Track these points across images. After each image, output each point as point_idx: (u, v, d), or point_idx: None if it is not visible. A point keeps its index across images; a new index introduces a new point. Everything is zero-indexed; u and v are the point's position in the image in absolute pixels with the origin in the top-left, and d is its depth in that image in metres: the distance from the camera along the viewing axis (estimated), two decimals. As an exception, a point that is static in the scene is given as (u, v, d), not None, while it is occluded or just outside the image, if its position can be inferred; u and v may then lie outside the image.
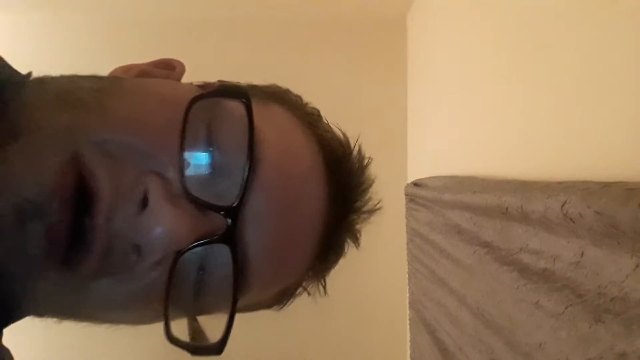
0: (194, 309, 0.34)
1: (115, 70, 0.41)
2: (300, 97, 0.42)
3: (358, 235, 0.43)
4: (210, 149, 0.32)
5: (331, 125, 0.42)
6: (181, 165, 0.29)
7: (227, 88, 0.34)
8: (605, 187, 0.45)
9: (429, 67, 1.59)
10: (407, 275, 1.61)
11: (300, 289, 0.42)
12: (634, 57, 0.51)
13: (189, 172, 0.30)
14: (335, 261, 0.42)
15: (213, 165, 0.32)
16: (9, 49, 1.86)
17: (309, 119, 0.40)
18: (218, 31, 1.91)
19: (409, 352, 1.56)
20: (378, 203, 0.43)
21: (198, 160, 0.31)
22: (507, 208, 0.66)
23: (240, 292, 0.32)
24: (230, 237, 0.30)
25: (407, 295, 1.61)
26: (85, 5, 1.87)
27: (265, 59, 1.80)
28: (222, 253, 0.30)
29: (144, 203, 0.29)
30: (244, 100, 0.32)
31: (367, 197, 0.42)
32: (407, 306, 1.61)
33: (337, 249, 0.41)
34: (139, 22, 1.91)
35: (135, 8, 1.88)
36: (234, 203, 0.30)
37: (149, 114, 0.31)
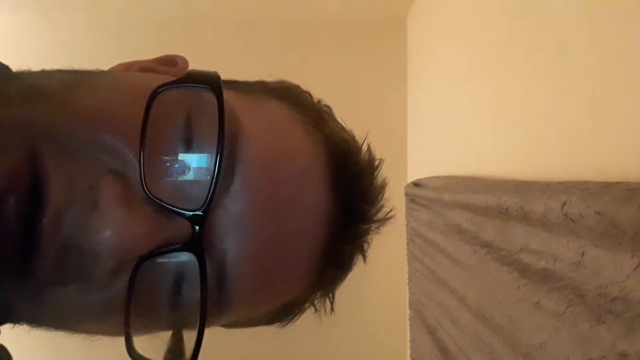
0: (170, 323, 0.31)
1: (116, 66, 0.38)
2: (308, 94, 0.39)
3: (365, 247, 0.38)
4: (179, 145, 0.28)
5: (344, 125, 0.38)
6: (141, 163, 0.26)
7: (194, 75, 0.30)
8: (606, 187, 0.45)
9: (429, 67, 1.59)
10: (407, 275, 1.61)
11: (306, 305, 0.38)
12: (634, 57, 0.51)
13: (153, 171, 0.27)
14: (342, 275, 0.38)
15: (183, 164, 0.28)
16: (8, 49, 1.86)
17: (317, 117, 0.36)
18: (218, 31, 1.91)
19: (409, 352, 1.56)
20: (390, 211, 0.38)
21: (164, 158, 0.28)
22: (507, 208, 0.66)
23: (217, 306, 0.29)
24: (196, 245, 0.27)
25: (407, 295, 1.61)
26: (85, 5, 1.87)
27: (264, 59, 1.80)
28: (195, 263, 0.27)
29: (96, 205, 0.26)
30: (212, 88, 0.28)
31: (378, 204, 0.37)
32: (407, 306, 1.61)
33: (344, 262, 0.37)
34: (139, 22, 1.91)
35: (135, 8, 1.88)
36: (201, 207, 0.27)
37: (112, 107, 0.28)
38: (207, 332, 0.31)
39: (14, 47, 1.84)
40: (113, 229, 0.25)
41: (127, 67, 0.38)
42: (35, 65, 0.34)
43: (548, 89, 0.71)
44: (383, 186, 0.38)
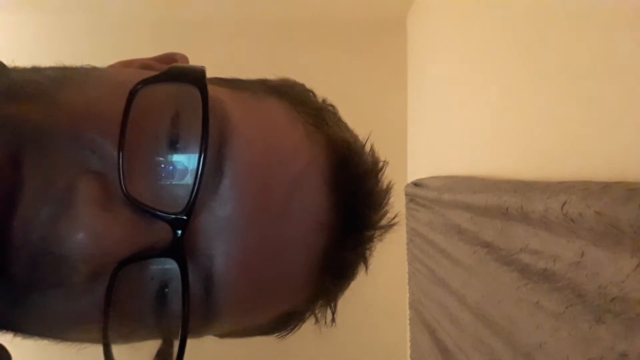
0: (152, 333, 0.29)
1: (116, 64, 0.37)
2: (312, 92, 0.37)
3: (368, 255, 0.36)
4: (163, 143, 0.27)
5: (348, 126, 0.36)
6: (120, 162, 0.25)
7: (177, 70, 0.29)
8: (606, 187, 0.45)
9: (429, 67, 1.59)
10: (407, 275, 1.61)
11: (306, 315, 0.36)
12: (635, 57, 0.51)
13: (134, 171, 0.25)
14: (343, 285, 0.36)
15: (167, 164, 0.27)
16: (9, 49, 1.86)
17: (318, 116, 0.34)
18: (217, 31, 1.91)
19: (409, 352, 1.56)
20: (395, 217, 0.37)
21: (147, 157, 0.26)
22: (507, 208, 0.66)
23: (204, 316, 0.28)
24: (178, 251, 0.25)
25: (407, 295, 1.61)
26: (85, 5, 1.87)
27: (264, 59, 1.79)
28: (178, 270, 0.26)
29: (71, 205, 0.24)
30: (196, 83, 0.27)
31: (382, 209, 0.35)
32: (407, 306, 1.62)
33: (345, 271, 0.35)
34: (139, 22, 1.91)
35: (136, 8, 1.88)
36: (183, 210, 0.25)
37: (94, 103, 0.27)
38: (203, 338, 0.30)
39: (14, 47, 1.84)
40: (86, 232, 0.24)
41: (127, 64, 0.37)
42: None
43: (548, 89, 0.71)
44: (387, 190, 0.36)
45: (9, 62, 0.32)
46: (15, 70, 0.31)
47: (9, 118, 0.26)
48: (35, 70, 0.31)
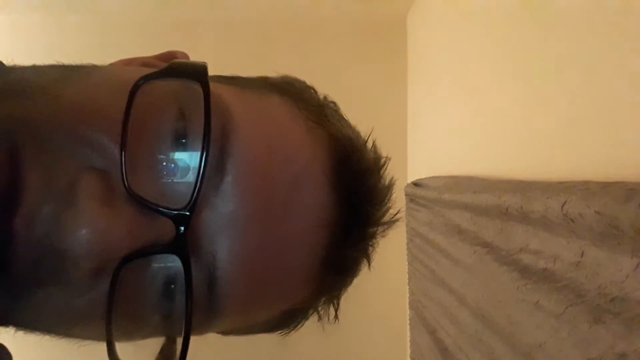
0: (156, 330, 0.29)
1: (117, 62, 0.37)
2: (313, 89, 0.37)
3: (370, 252, 0.36)
4: (165, 140, 0.27)
5: (350, 122, 0.36)
6: (122, 158, 0.25)
7: (178, 66, 0.29)
8: (605, 187, 0.45)
9: (429, 67, 1.59)
10: (407, 275, 1.61)
11: (309, 312, 0.36)
12: (634, 58, 0.51)
13: (137, 168, 0.25)
14: (346, 281, 0.36)
15: (169, 160, 0.27)
16: (9, 49, 1.86)
17: (320, 113, 0.34)
18: (217, 31, 1.91)
19: (409, 352, 1.56)
20: (397, 213, 0.36)
21: (149, 154, 0.27)
22: (507, 208, 0.66)
23: (207, 312, 0.28)
24: (181, 247, 0.25)
25: (407, 295, 1.61)
26: (84, 5, 1.87)
27: (264, 59, 1.79)
28: (181, 266, 0.26)
29: (74, 202, 0.24)
30: (198, 78, 0.27)
31: (384, 206, 0.35)
32: (407, 306, 1.62)
33: (347, 268, 0.35)
34: (139, 23, 1.91)
35: (135, 8, 1.88)
36: (186, 206, 0.25)
37: (95, 101, 0.27)
38: (205, 335, 0.30)
39: (14, 47, 1.84)
40: (89, 228, 0.24)
41: (128, 62, 0.37)
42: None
43: (548, 89, 0.71)
44: (390, 187, 0.36)
45: (8, 62, 0.33)
46: (15, 69, 0.31)
47: (10, 116, 0.26)
48: (35, 69, 0.31)
